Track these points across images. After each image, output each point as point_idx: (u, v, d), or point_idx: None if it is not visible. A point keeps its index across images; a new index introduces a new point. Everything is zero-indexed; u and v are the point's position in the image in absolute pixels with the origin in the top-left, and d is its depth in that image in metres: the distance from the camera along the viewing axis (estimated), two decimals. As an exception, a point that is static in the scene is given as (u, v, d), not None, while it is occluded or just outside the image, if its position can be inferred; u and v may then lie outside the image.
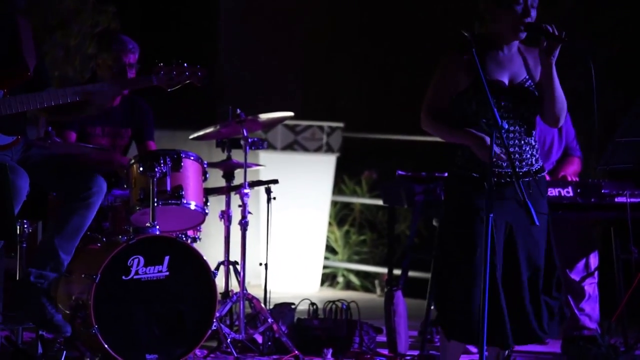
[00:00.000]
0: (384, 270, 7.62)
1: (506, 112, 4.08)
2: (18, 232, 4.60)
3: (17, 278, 4.67)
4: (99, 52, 5.51)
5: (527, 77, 4.14)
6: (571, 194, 5.31)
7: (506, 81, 4.12)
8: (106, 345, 4.61)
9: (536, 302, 4.11)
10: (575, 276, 5.53)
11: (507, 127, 4.02)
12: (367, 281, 7.93)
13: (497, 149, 3.94)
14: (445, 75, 4.13)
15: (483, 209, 3.87)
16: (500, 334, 4.02)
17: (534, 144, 4.18)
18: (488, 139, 3.94)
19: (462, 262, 4.06)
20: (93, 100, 4.53)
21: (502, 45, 4.15)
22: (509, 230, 4.10)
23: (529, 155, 4.15)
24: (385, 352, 5.42)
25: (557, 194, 5.29)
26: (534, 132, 4.18)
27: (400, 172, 5.38)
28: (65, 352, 4.66)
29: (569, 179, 5.51)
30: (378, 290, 7.77)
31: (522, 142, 4.14)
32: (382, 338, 5.55)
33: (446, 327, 4.14)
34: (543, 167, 4.21)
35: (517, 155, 4.11)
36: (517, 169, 4.07)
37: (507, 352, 4.25)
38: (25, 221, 4.68)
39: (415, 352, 5.34)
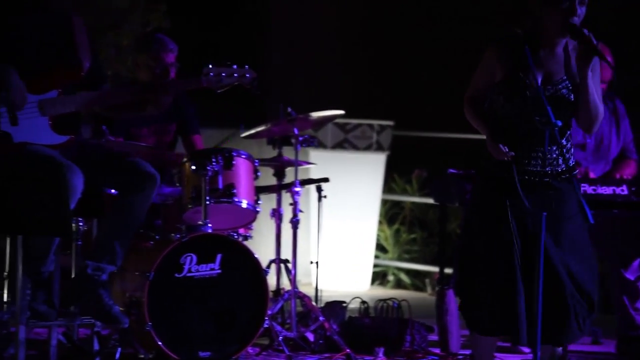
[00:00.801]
0: (434, 268, 7.58)
1: (542, 110, 4.04)
2: (73, 229, 4.65)
3: (72, 275, 4.72)
4: (138, 53, 5.55)
5: (565, 77, 4.07)
6: (625, 192, 5.24)
7: (539, 80, 4.06)
8: (160, 342, 4.65)
9: (569, 302, 4.06)
10: (630, 275, 5.46)
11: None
12: (417, 280, 7.90)
13: (504, 148, 3.95)
14: (484, 65, 4.15)
15: (509, 207, 3.91)
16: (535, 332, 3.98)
17: (565, 143, 4.10)
18: (498, 138, 3.99)
19: (484, 258, 4.05)
20: (149, 100, 4.56)
21: (545, 42, 4.09)
22: (538, 229, 4.06)
23: (555, 156, 4.08)
24: (437, 351, 5.39)
25: (611, 192, 5.22)
26: (568, 132, 4.12)
27: (451, 170, 5.35)
28: (120, 348, 4.70)
29: None
30: (429, 288, 7.74)
31: (554, 140, 4.05)
32: (433, 337, 5.52)
33: (471, 322, 4.12)
34: (573, 167, 4.14)
35: (540, 154, 4.06)
36: (538, 169, 4.05)
37: (561, 351, 4.22)
38: (80, 219, 4.73)
39: (468, 351, 5.31)
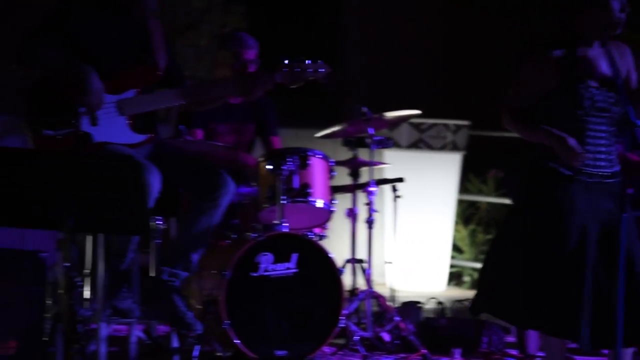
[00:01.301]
0: (511, 270, 7.50)
1: (601, 113, 3.99)
2: (152, 228, 4.70)
3: (151, 273, 4.78)
4: (218, 51, 5.59)
5: (615, 74, 4.01)
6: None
7: (596, 81, 4.02)
8: (237, 341, 4.68)
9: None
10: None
11: (606, 128, 4.00)
12: (493, 281, 7.82)
13: (578, 148, 3.91)
14: (530, 75, 4.04)
15: (576, 210, 3.88)
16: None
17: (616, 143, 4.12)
18: (571, 139, 3.93)
19: (550, 258, 3.98)
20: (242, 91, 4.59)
21: (592, 43, 4.05)
22: (605, 231, 3.99)
23: (614, 157, 4.08)
24: (514, 352, 5.34)
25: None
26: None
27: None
28: (198, 346, 4.74)
29: None
30: (505, 290, 7.64)
31: (611, 142, 4.06)
32: (511, 338, 5.46)
33: (540, 323, 4.05)
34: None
35: (604, 156, 4.03)
36: (606, 170, 4.01)
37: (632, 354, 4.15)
38: (158, 217, 4.78)
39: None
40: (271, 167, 5.03)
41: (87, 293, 4.37)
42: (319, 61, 4.68)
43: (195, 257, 4.62)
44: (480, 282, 4.26)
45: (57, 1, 4.55)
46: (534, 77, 4.04)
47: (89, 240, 4.44)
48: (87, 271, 4.40)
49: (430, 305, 5.76)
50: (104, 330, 4.43)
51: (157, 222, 4.78)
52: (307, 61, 4.65)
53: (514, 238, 4.09)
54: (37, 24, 4.50)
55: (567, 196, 3.99)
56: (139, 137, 4.51)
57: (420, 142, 7.57)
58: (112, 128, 4.44)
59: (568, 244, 3.97)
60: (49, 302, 4.67)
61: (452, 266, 7.90)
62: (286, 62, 4.63)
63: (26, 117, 4.35)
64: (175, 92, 4.56)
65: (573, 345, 4.48)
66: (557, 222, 3.99)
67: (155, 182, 4.33)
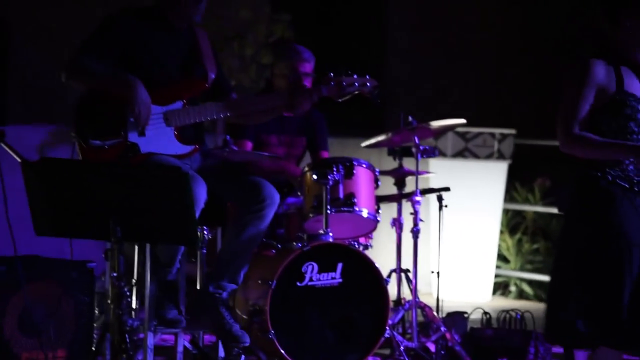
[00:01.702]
0: (558, 279, 7.43)
1: None
2: (198, 238, 4.73)
3: (197, 283, 4.81)
4: (274, 62, 5.61)
5: None
6: None
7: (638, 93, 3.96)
8: (282, 350, 4.69)
9: None
10: None
11: None
12: (540, 291, 7.75)
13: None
14: (583, 88, 3.90)
15: (632, 224, 3.83)
16: None
17: None
18: None
19: (608, 272, 3.92)
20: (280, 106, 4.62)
21: (632, 53, 3.97)
22: None
23: None
24: (561, 363, 5.29)
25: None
26: None
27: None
28: (243, 356, 4.76)
29: None
30: (552, 300, 7.57)
31: None
32: (558, 349, 5.41)
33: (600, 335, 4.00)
34: None
35: None
36: None
37: None
38: (204, 228, 4.81)
39: (593, 365, 5.18)
40: (316, 176, 5.03)
41: (134, 303, 4.41)
42: (366, 75, 4.69)
43: (242, 268, 4.63)
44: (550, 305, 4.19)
45: (105, 15, 4.60)
46: (584, 93, 3.92)
47: (136, 250, 4.48)
48: (134, 281, 4.44)
49: (476, 316, 5.72)
50: (151, 340, 4.46)
51: (203, 232, 4.82)
52: (354, 75, 4.66)
53: (571, 254, 4.03)
54: (85, 37, 4.56)
55: (624, 210, 3.93)
56: (186, 148, 4.55)
57: (466, 151, 7.54)
58: (159, 139, 4.48)
59: (627, 258, 3.91)
60: (97, 311, 4.72)
61: (497, 276, 7.85)
62: (333, 75, 4.64)
63: (74, 128, 4.40)
64: (222, 105, 4.59)
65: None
66: (614, 237, 3.93)
67: (201, 193, 4.35)
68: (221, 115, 4.62)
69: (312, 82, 5.44)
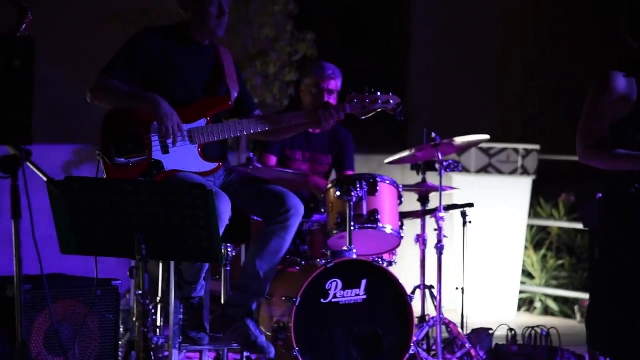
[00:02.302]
0: (583, 295, 7.38)
1: None
2: (223, 255, 4.73)
3: (222, 300, 4.82)
4: (301, 78, 5.66)
5: None
6: None
7: None
8: (307, 367, 4.69)
9: None
10: None
11: None
12: (566, 307, 7.71)
13: None
14: (602, 100, 3.89)
15: None
16: None
17: None
18: None
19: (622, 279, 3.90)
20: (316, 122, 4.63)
21: None
22: None
23: None
24: (587, 380, 5.25)
25: None
26: None
27: (600, 194, 5.20)
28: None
29: None
30: (578, 316, 7.53)
31: None
32: (583, 365, 5.38)
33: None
34: None
35: None
36: None
37: None
38: (229, 244, 4.82)
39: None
40: (340, 193, 5.04)
41: (159, 320, 4.41)
42: (389, 92, 4.70)
43: (267, 280, 4.63)
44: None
45: (131, 34, 4.64)
46: (604, 106, 3.91)
47: (160, 267, 4.49)
48: (159, 299, 4.45)
49: (501, 332, 5.69)
50: (176, 357, 4.46)
51: (227, 249, 4.83)
52: (377, 92, 4.66)
53: (607, 272, 4.00)
54: (110, 56, 4.60)
55: None
56: (210, 165, 4.56)
57: (490, 166, 7.52)
58: (183, 156, 4.50)
59: None
60: (122, 329, 4.73)
61: (522, 292, 7.81)
62: (357, 93, 4.65)
63: (100, 146, 4.43)
64: (246, 122, 4.61)
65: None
66: None
67: (225, 209, 4.36)
68: (245, 133, 4.64)
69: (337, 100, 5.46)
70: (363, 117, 4.72)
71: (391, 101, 4.69)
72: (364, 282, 4.87)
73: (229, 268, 4.84)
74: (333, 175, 5.77)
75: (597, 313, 4.02)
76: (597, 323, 4.03)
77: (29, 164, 3.18)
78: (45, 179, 3.26)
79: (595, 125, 3.91)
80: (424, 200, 5.55)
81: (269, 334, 4.85)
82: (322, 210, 5.23)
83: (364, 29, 8.96)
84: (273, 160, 5.50)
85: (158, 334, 4.33)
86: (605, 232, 4.02)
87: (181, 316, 4.51)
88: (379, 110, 4.71)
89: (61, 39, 7.05)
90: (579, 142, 3.94)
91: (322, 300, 4.80)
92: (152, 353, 3.62)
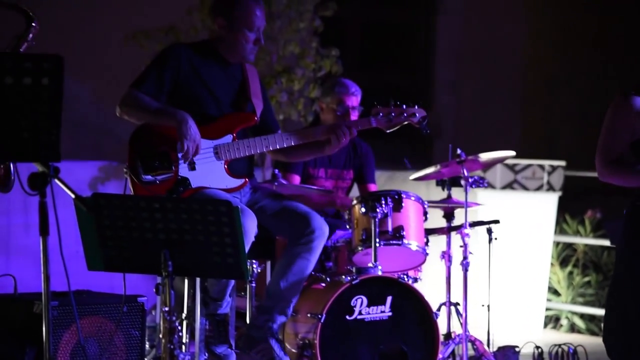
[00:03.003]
0: (610, 312, 7.32)
1: None
2: (248, 271, 4.74)
3: (247, 317, 4.82)
4: (322, 96, 5.66)
5: None
6: None
7: None
8: (332, 384, 4.67)
9: None
10: None
11: None
12: (592, 324, 7.65)
13: None
14: (620, 125, 3.91)
15: None
16: None
17: None
18: None
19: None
20: (322, 143, 4.64)
21: None
22: None
23: None
24: (615, 398, 5.19)
25: None
26: None
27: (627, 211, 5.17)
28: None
29: None
30: (604, 333, 7.46)
31: None
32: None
33: None
34: None
35: None
36: None
37: None
38: (254, 261, 4.82)
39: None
40: (365, 209, 5.03)
41: (185, 337, 4.42)
42: (415, 105, 4.70)
43: (291, 301, 4.63)
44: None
45: (159, 50, 4.66)
46: (624, 127, 3.92)
47: (186, 284, 4.50)
48: (184, 315, 4.45)
49: (527, 350, 5.65)
50: (201, 373, 4.46)
51: (253, 265, 4.83)
52: (402, 105, 4.66)
53: (627, 288, 3.98)
54: (137, 73, 4.63)
55: None
56: (236, 182, 4.57)
57: (515, 182, 7.49)
58: (210, 173, 4.51)
59: None
60: (147, 346, 4.74)
61: (548, 309, 7.76)
62: (382, 106, 4.65)
63: (127, 163, 4.45)
64: (272, 137, 4.61)
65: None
66: None
67: (251, 226, 4.37)
68: (270, 148, 4.64)
69: (360, 115, 5.47)
70: (388, 131, 4.72)
71: (417, 114, 4.69)
72: (389, 298, 4.85)
73: (254, 284, 4.84)
74: (354, 191, 5.76)
75: (616, 329, 4.00)
76: (615, 338, 4.00)
77: (56, 180, 3.20)
78: (73, 195, 3.28)
79: (613, 143, 3.94)
80: (449, 216, 5.54)
81: (294, 350, 4.84)
82: (347, 227, 5.22)
83: (388, 45, 8.97)
84: (296, 179, 5.51)
85: (184, 350, 4.33)
86: (627, 249, 4.01)
87: (207, 333, 4.51)
88: (405, 123, 4.71)
89: (88, 55, 7.10)
90: (598, 159, 3.97)
91: (347, 317, 4.79)
92: (178, 370, 3.62)
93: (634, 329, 3.93)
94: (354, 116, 5.52)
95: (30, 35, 3.91)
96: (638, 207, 3.96)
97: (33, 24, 3.89)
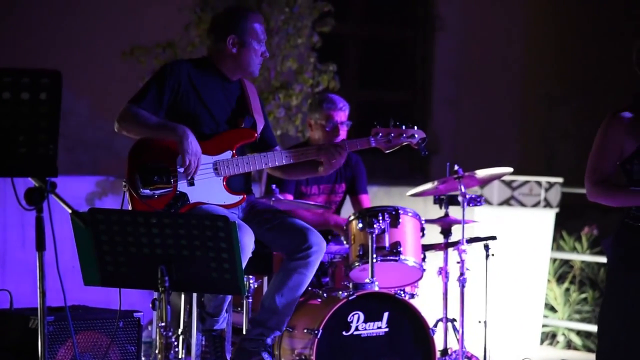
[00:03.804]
0: (607, 329, 7.31)
1: None
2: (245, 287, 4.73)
3: (244, 332, 4.81)
4: (310, 113, 5.68)
5: None
6: None
7: None
8: (328, 401, 4.66)
9: None
10: None
11: None
12: (589, 341, 7.64)
13: None
14: (609, 144, 3.92)
15: None
16: None
17: None
18: None
19: (627, 316, 3.89)
20: (317, 163, 4.64)
21: None
22: None
23: None
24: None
25: None
26: None
27: (624, 228, 5.17)
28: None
29: None
30: (601, 350, 7.45)
31: None
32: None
33: None
34: None
35: None
36: None
37: None
38: (251, 277, 4.82)
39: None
40: (362, 225, 5.03)
41: (181, 353, 4.41)
42: (414, 126, 4.70)
43: (287, 315, 4.63)
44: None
45: (156, 66, 4.67)
46: (613, 146, 3.93)
47: (182, 299, 4.49)
48: (180, 330, 4.44)
49: (524, 366, 5.65)
50: (197, 389, 4.45)
51: (249, 281, 4.82)
52: (402, 126, 4.67)
53: (614, 305, 3.99)
54: (135, 88, 4.63)
55: None
56: (234, 198, 4.57)
57: (512, 199, 7.50)
58: (208, 188, 4.51)
59: None
60: (143, 360, 4.72)
61: (545, 325, 7.75)
62: (381, 127, 4.66)
63: (126, 177, 4.45)
64: (271, 155, 4.62)
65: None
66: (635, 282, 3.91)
67: (248, 242, 4.37)
68: (269, 165, 4.65)
69: (350, 130, 5.48)
70: (387, 151, 4.72)
71: (416, 135, 4.70)
72: (386, 314, 4.85)
73: (250, 300, 4.84)
74: (346, 205, 5.76)
75: (609, 352, 3.99)
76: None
77: (53, 196, 3.19)
78: (69, 210, 3.28)
79: (602, 163, 3.95)
80: (446, 232, 5.54)
81: (290, 367, 4.84)
82: (344, 242, 5.22)
83: (386, 61, 8.99)
84: (289, 198, 5.51)
85: (180, 366, 4.32)
86: (615, 268, 4.02)
87: (203, 348, 4.50)
88: (404, 144, 4.71)
89: (85, 71, 7.11)
90: (587, 179, 3.98)
91: (343, 333, 4.79)
92: (174, 385, 3.61)
93: (623, 345, 3.93)
94: (343, 131, 5.54)
95: None
96: (626, 225, 3.97)
97: None
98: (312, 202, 5.41)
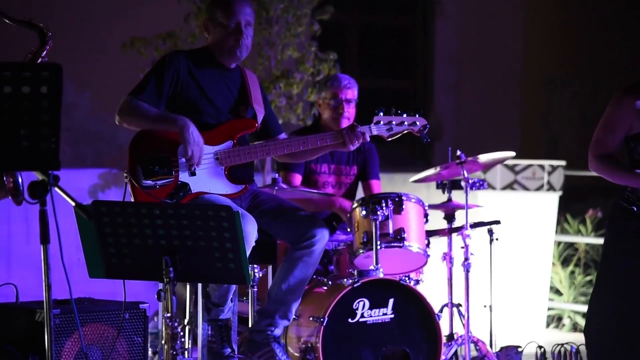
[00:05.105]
0: (612, 311, 7.32)
1: None
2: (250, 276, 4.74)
3: (249, 322, 4.82)
4: (318, 93, 5.69)
5: None
6: None
7: None
8: (335, 387, 4.68)
9: None
10: None
11: None
12: (595, 323, 7.65)
13: None
14: (616, 116, 3.99)
15: None
16: None
17: None
18: None
19: (618, 297, 3.94)
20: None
21: None
22: None
23: None
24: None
25: None
26: None
27: (628, 209, 5.17)
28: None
29: None
30: (607, 332, 7.46)
31: None
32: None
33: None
34: None
35: None
36: None
37: None
38: (255, 266, 4.83)
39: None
40: (366, 212, 5.04)
41: (187, 343, 4.42)
42: (415, 114, 4.70)
43: (293, 304, 4.64)
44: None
45: (157, 58, 4.67)
46: (617, 119, 3.98)
47: (188, 289, 4.50)
48: (186, 321, 4.45)
49: (530, 349, 5.66)
50: (204, 378, 4.46)
51: (254, 270, 4.83)
52: (403, 114, 4.67)
53: (604, 283, 4.04)
54: (135, 80, 4.63)
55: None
56: (236, 187, 4.58)
57: (515, 183, 7.49)
58: (210, 178, 4.52)
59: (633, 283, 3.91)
60: (150, 352, 4.74)
61: (550, 308, 7.76)
62: (383, 115, 4.65)
63: (128, 169, 4.45)
64: (272, 144, 4.62)
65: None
66: (625, 261, 3.94)
67: (252, 231, 4.37)
68: (271, 155, 4.65)
69: (357, 108, 5.49)
70: (389, 139, 4.72)
71: (417, 122, 4.70)
72: (391, 301, 4.86)
73: (255, 289, 4.85)
74: (359, 193, 5.77)
75: (597, 324, 4.04)
76: (597, 333, 4.04)
77: (56, 189, 3.20)
78: (73, 203, 3.28)
79: (606, 137, 4.01)
80: (450, 218, 5.54)
81: (296, 354, 4.85)
82: (348, 230, 5.23)
83: (387, 49, 8.97)
84: (298, 178, 5.51)
85: (186, 356, 4.34)
86: (608, 247, 4.06)
87: (209, 338, 4.51)
88: (405, 132, 4.71)
89: (86, 63, 7.11)
90: (590, 150, 4.05)
91: (349, 320, 4.80)
92: (180, 375, 3.62)
93: (613, 325, 3.96)
94: (349, 109, 5.54)
95: (45, 52, 3.89)
96: (619, 206, 4.01)
97: (48, 41, 3.87)
98: (316, 191, 5.40)
